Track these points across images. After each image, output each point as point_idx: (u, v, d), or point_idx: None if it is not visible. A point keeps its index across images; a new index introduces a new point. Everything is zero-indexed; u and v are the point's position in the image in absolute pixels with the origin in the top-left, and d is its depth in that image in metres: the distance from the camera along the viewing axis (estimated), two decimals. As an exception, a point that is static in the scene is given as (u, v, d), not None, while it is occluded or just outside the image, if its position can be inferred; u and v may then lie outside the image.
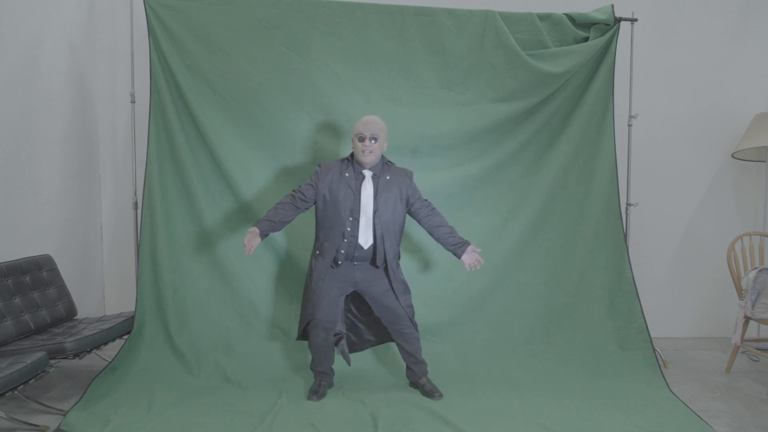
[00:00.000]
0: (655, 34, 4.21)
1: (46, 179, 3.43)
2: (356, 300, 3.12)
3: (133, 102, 3.55)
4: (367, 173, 2.86)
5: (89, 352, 2.87)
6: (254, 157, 3.41)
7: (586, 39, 3.55)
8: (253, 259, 3.44)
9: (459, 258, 2.95)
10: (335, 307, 2.92)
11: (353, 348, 3.19)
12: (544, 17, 3.51)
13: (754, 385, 3.33)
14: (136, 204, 3.58)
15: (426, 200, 2.99)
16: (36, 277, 3.15)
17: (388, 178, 2.88)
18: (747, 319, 3.45)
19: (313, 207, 2.95)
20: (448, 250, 2.98)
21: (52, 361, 2.70)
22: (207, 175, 3.40)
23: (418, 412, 2.79)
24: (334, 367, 3.08)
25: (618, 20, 3.55)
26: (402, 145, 3.42)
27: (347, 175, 2.85)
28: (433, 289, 3.53)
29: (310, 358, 3.14)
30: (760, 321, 3.35)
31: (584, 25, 3.55)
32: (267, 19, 3.32)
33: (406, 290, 2.99)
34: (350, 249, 2.84)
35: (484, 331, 3.55)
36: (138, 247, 3.42)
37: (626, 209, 3.78)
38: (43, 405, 2.82)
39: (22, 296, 3.02)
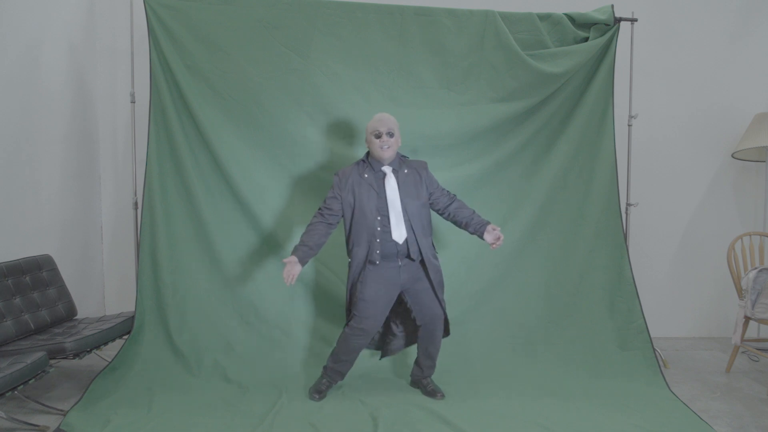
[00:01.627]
0: (655, 34, 4.21)
1: (46, 179, 3.43)
2: (396, 306, 3.04)
3: (133, 102, 3.55)
4: (387, 169, 2.85)
5: (89, 352, 2.87)
6: (254, 157, 3.41)
7: (586, 39, 3.55)
8: (253, 259, 3.44)
9: (481, 238, 2.92)
10: (383, 316, 2.91)
11: (384, 353, 3.17)
12: (544, 17, 3.51)
13: (754, 385, 3.33)
14: (136, 204, 3.58)
15: (444, 189, 2.99)
16: (36, 277, 3.15)
17: (406, 171, 2.89)
18: (747, 319, 3.45)
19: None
20: (473, 233, 2.93)
21: (52, 361, 2.70)
22: (207, 175, 3.40)
23: (418, 412, 2.79)
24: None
25: (618, 20, 3.55)
26: (402, 145, 3.40)
27: (367, 176, 2.85)
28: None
29: (311, 357, 3.15)
30: (760, 321, 3.35)
31: (584, 25, 3.55)
32: (267, 19, 3.32)
33: (442, 285, 2.96)
34: (388, 247, 2.80)
35: (484, 330, 3.55)
36: (138, 247, 3.42)
37: (626, 209, 3.78)
38: (43, 405, 2.82)
39: (22, 296, 3.02)
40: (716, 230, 4.35)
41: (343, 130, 3.43)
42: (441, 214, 2.99)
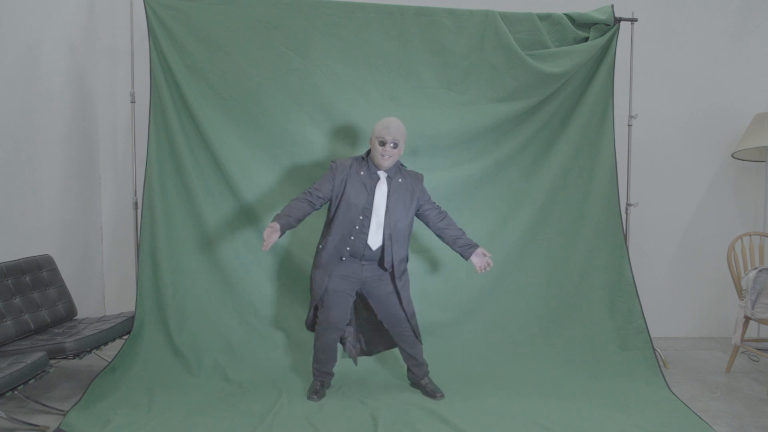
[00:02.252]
0: (655, 34, 4.21)
1: (46, 179, 3.43)
2: (368, 305, 3.08)
3: (133, 102, 3.55)
4: (382, 174, 2.86)
5: (89, 352, 2.87)
6: (254, 157, 3.41)
7: (586, 39, 3.55)
8: (253, 259, 3.44)
9: (466, 260, 2.96)
10: (347, 307, 2.93)
11: (361, 353, 3.19)
12: (544, 17, 3.51)
13: (754, 385, 3.33)
14: (136, 204, 3.58)
15: (435, 203, 3.01)
16: (36, 277, 3.15)
17: (400, 180, 2.89)
18: (747, 319, 3.45)
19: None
20: (456, 251, 2.98)
21: (52, 361, 2.70)
22: (207, 175, 3.40)
23: (418, 412, 2.79)
24: (334, 369, 3.07)
25: (618, 20, 3.55)
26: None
27: (362, 173, 2.85)
28: (433, 289, 3.53)
29: (311, 357, 3.14)
30: (760, 321, 3.35)
31: (584, 25, 3.55)
32: (267, 19, 3.32)
33: (408, 296, 2.99)
34: (358, 248, 2.84)
35: (484, 331, 3.55)
36: (138, 247, 3.42)
37: (626, 209, 3.78)
38: (43, 405, 2.82)
39: (22, 296, 3.02)
40: (716, 230, 4.35)
41: (342, 130, 3.43)
42: (429, 227, 3.02)
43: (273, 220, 2.74)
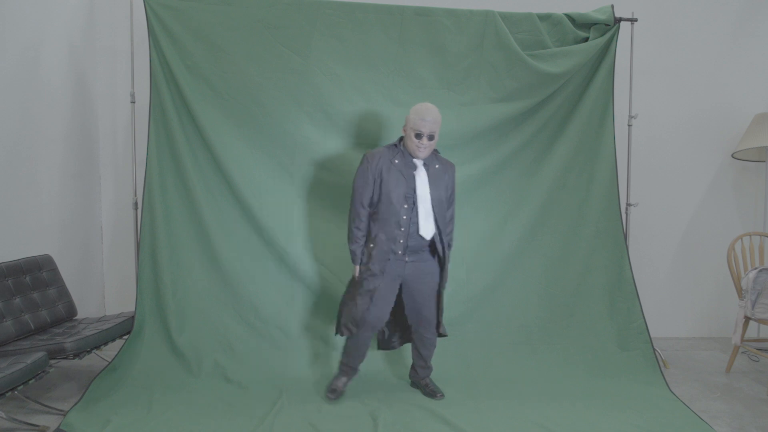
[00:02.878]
0: (655, 34, 4.21)
1: (46, 179, 3.43)
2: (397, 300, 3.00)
3: (133, 102, 3.55)
4: (418, 162, 2.79)
5: (89, 352, 2.87)
6: (254, 157, 3.41)
7: (586, 39, 3.55)
8: (253, 259, 3.44)
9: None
10: (389, 308, 2.86)
11: (381, 346, 3.16)
12: (544, 17, 3.51)
13: (754, 385, 3.33)
14: (136, 204, 3.58)
15: (453, 206, 2.96)
16: (36, 277, 3.15)
17: (437, 166, 2.83)
18: (747, 319, 3.45)
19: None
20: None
21: (52, 361, 2.70)
22: (207, 175, 3.40)
23: (418, 412, 2.79)
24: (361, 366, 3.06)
25: (618, 20, 3.55)
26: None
27: (397, 162, 2.77)
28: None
29: (311, 357, 3.14)
30: (760, 321, 3.35)
31: (584, 25, 3.55)
32: (267, 19, 3.32)
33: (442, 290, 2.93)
34: (408, 240, 2.75)
35: (484, 331, 3.55)
36: (138, 247, 3.42)
37: (626, 209, 3.78)
38: (43, 405, 2.82)
39: (22, 296, 3.02)
40: (716, 230, 4.35)
41: (343, 130, 3.43)
42: None
43: (356, 264, 2.83)
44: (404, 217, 2.73)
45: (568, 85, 3.57)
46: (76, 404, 2.76)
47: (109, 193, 4.07)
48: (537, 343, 3.53)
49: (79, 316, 3.42)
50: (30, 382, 2.46)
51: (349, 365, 3.00)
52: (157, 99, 3.34)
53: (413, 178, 2.75)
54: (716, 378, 3.45)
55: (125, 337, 3.23)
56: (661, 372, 3.29)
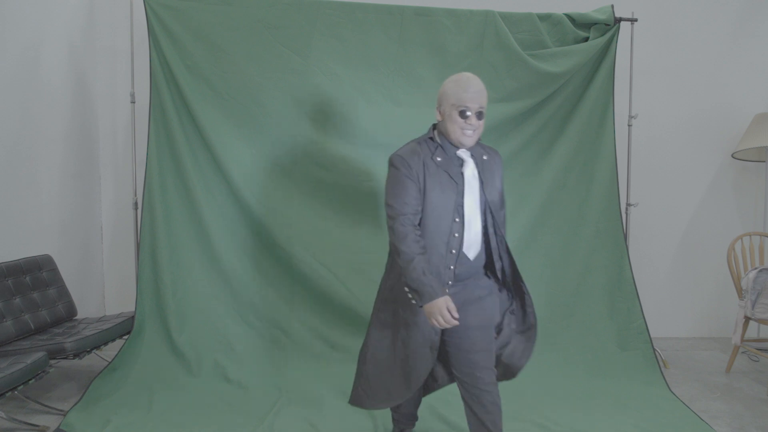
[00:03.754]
0: (655, 34, 4.21)
1: (46, 179, 3.43)
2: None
3: (133, 102, 3.55)
4: (464, 154, 2.08)
5: (89, 352, 2.87)
6: (254, 157, 3.41)
7: (586, 39, 3.55)
8: (253, 259, 3.44)
9: None
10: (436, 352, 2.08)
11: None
12: (544, 17, 3.51)
13: (754, 385, 3.33)
14: (136, 204, 3.58)
15: (504, 204, 2.24)
16: (36, 277, 3.15)
17: (485, 157, 2.14)
18: (747, 319, 3.45)
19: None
20: None
21: (52, 361, 2.70)
22: (207, 175, 3.40)
23: (417, 412, 2.79)
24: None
25: (618, 20, 3.55)
26: (402, 145, 3.40)
27: (439, 159, 2.05)
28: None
29: (311, 357, 3.12)
30: (760, 321, 3.35)
31: (584, 25, 3.55)
32: (267, 19, 3.32)
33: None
34: (457, 264, 2.04)
35: (484, 331, 3.55)
36: (138, 247, 3.42)
37: (626, 209, 3.78)
38: (43, 405, 2.82)
39: (22, 296, 3.02)
40: (716, 230, 4.35)
41: (343, 130, 3.43)
42: None
43: (435, 298, 1.89)
44: (455, 235, 2.02)
45: (568, 85, 3.57)
46: (76, 404, 2.76)
47: (109, 193, 4.07)
48: (537, 343, 3.51)
49: (79, 316, 3.42)
50: (30, 382, 2.46)
51: (402, 412, 2.45)
52: (157, 99, 3.34)
53: (462, 178, 2.05)
54: (716, 378, 3.45)
55: (125, 337, 3.23)
56: (661, 372, 3.29)
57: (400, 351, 2.12)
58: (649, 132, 4.25)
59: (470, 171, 2.07)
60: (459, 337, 2.03)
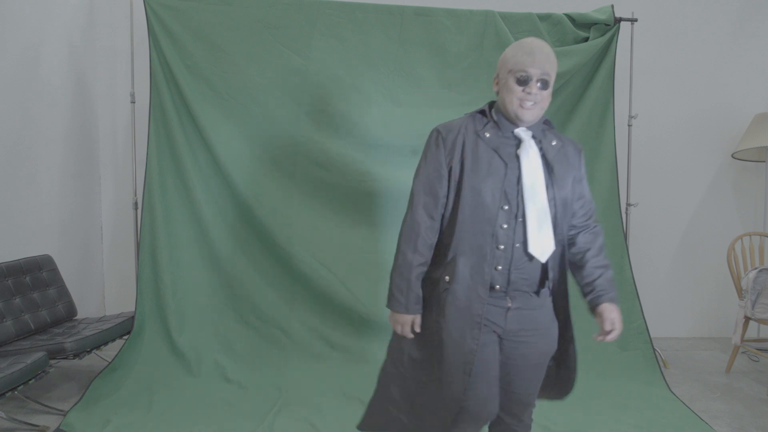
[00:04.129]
0: (655, 34, 4.21)
1: (46, 179, 3.43)
2: None
3: (133, 102, 3.55)
4: (524, 133, 1.69)
5: (89, 352, 2.87)
6: (254, 157, 3.41)
7: (586, 39, 3.55)
8: (253, 259, 3.44)
9: (594, 308, 1.77)
10: (496, 382, 1.70)
11: None
12: (544, 17, 3.52)
13: (754, 385, 3.33)
14: (136, 204, 3.58)
15: (590, 199, 1.86)
16: (36, 277, 3.15)
17: (554, 143, 1.73)
18: (747, 319, 3.45)
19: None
20: (584, 292, 1.79)
21: (52, 361, 2.70)
22: (207, 175, 3.40)
23: (418, 412, 2.79)
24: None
25: (618, 20, 3.55)
26: (402, 145, 3.41)
27: (488, 135, 1.69)
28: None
29: (311, 357, 3.12)
30: (760, 321, 3.35)
31: (584, 25, 3.55)
32: (267, 19, 3.32)
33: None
34: (511, 266, 1.65)
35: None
36: (138, 247, 3.42)
37: (626, 209, 3.78)
38: (43, 405, 2.82)
39: (22, 296, 3.02)
40: (716, 230, 4.35)
41: (343, 130, 3.42)
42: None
43: (403, 311, 1.72)
44: (503, 226, 1.63)
45: (568, 85, 3.57)
46: (76, 404, 2.76)
47: (109, 193, 4.07)
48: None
49: (79, 316, 3.42)
50: (30, 382, 2.46)
51: None
52: (157, 99, 3.34)
53: (516, 160, 1.66)
54: (716, 378, 3.44)
55: (125, 337, 3.23)
56: (661, 372, 3.29)
57: (425, 370, 1.73)
58: (649, 132, 4.25)
59: (529, 153, 1.64)
60: (513, 374, 1.72)
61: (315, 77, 3.37)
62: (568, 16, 3.53)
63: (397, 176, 3.35)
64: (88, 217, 3.92)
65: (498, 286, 1.65)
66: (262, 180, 3.41)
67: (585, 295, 1.78)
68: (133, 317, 3.28)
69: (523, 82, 1.63)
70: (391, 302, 1.75)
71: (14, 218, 3.12)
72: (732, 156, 4.23)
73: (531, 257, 1.65)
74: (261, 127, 3.39)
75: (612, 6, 3.56)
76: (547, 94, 1.65)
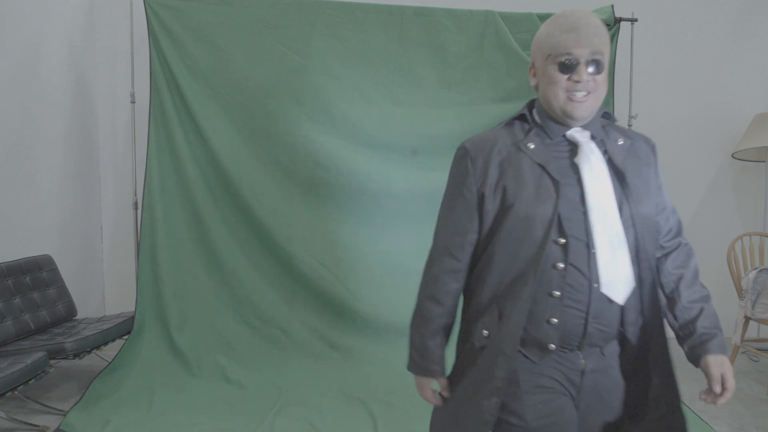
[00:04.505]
0: (655, 34, 4.21)
1: (46, 179, 3.43)
2: None
3: (133, 102, 3.56)
4: (580, 135, 1.29)
5: (89, 352, 2.87)
6: (254, 157, 3.41)
7: (586, 39, 3.55)
8: (253, 259, 3.44)
9: (696, 360, 1.37)
10: None
11: None
12: (544, 17, 3.51)
13: (754, 385, 3.33)
14: (136, 204, 3.58)
15: (673, 207, 1.50)
16: (36, 277, 3.15)
17: (620, 142, 1.32)
18: (747, 319, 3.45)
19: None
20: (679, 336, 1.43)
21: (52, 361, 2.70)
22: (207, 175, 3.41)
23: (418, 412, 2.79)
24: None
25: (618, 20, 3.55)
26: (402, 145, 3.41)
27: (533, 146, 1.29)
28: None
29: (311, 357, 3.12)
30: (760, 321, 3.35)
31: (584, 25, 3.55)
32: (267, 19, 3.32)
33: None
34: (588, 310, 1.23)
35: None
36: (138, 247, 3.42)
37: (626, 209, 3.78)
38: (43, 405, 2.82)
39: (22, 296, 3.02)
40: (716, 230, 4.34)
41: (343, 130, 3.43)
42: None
43: (427, 374, 1.39)
44: (558, 266, 1.22)
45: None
46: (76, 404, 2.76)
47: (109, 193, 4.07)
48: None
49: (79, 316, 3.42)
50: (30, 382, 2.46)
51: None
52: (157, 99, 3.34)
53: (573, 173, 1.26)
54: (716, 378, 3.44)
55: (125, 337, 3.23)
56: (661, 372, 3.28)
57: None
58: (649, 132, 4.19)
59: (591, 161, 1.24)
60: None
61: (315, 77, 3.37)
62: (568, 16, 3.53)
63: (397, 176, 3.35)
64: (88, 217, 3.92)
65: (553, 345, 1.23)
66: (262, 180, 3.41)
67: (682, 340, 1.41)
68: (133, 317, 3.28)
69: (568, 68, 1.23)
70: (408, 363, 1.43)
71: (14, 218, 3.13)
72: (732, 156, 4.23)
73: (607, 298, 1.23)
74: (261, 127, 3.39)
75: (612, 6, 3.56)
76: (602, 79, 1.24)
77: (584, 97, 1.24)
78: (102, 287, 4.09)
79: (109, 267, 4.10)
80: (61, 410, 2.77)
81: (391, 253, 3.41)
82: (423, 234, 3.40)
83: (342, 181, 3.39)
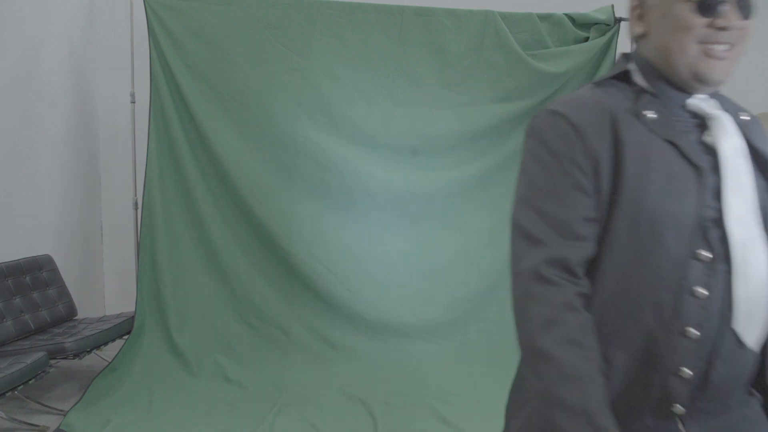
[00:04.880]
0: (655, 34, 4.21)
1: (46, 179, 3.43)
2: None
3: (133, 102, 3.56)
4: (708, 104, 0.94)
5: (89, 352, 2.88)
6: (254, 157, 3.41)
7: (587, 39, 3.55)
8: (253, 259, 3.44)
9: None
10: None
11: None
12: (544, 17, 3.52)
13: (755, 385, 3.33)
14: (136, 204, 3.58)
15: None
16: (36, 277, 3.15)
17: (743, 117, 1.01)
18: (747, 319, 3.43)
19: None
20: None
21: (52, 361, 2.70)
22: (207, 175, 3.40)
23: (418, 412, 2.79)
24: None
25: (618, 20, 3.55)
26: (402, 145, 3.42)
27: (653, 116, 0.89)
28: (432, 288, 3.52)
29: (311, 357, 3.12)
30: (761, 321, 3.34)
31: (584, 25, 3.55)
32: (267, 19, 3.32)
33: None
34: (711, 354, 0.84)
35: (485, 331, 3.54)
36: (138, 247, 3.42)
37: (626, 209, 3.77)
38: (43, 405, 2.83)
39: (22, 296, 3.02)
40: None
41: (343, 130, 3.43)
42: None
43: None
44: (697, 293, 0.83)
45: (568, 85, 3.57)
46: (76, 404, 2.75)
47: (109, 193, 4.06)
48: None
49: (79, 316, 3.42)
50: (30, 382, 2.46)
51: None
52: (157, 99, 3.34)
53: (708, 157, 0.89)
54: (716, 378, 3.44)
55: (125, 337, 3.23)
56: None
57: None
58: (649, 132, 4.25)
59: (729, 144, 0.89)
60: None
61: (315, 77, 3.37)
62: (568, 16, 3.53)
63: (397, 176, 3.35)
64: (88, 217, 3.92)
65: (678, 406, 0.85)
66: (262, 180, 3.41)
67: None
68: (133, 317, 3.28)
69: (710, 7, 0.87)
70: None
71: (14, 218, 3.13)
72: (732, 156, 4.23)
73: (740, 345, 0.85)
74: (261, 127, 3.39)
75: (612, 6, 3.55)
76: (748, 26, 0.95)
77: (726, 52, 0.92)
78: (102, 287, 4.09)
79: (109, 267, 4.10)
80: (61, 410, 2.77)
81: (391, 253, 3.41)
82: (423, 234, 3.42)
83: (342, 181, 3.39)
